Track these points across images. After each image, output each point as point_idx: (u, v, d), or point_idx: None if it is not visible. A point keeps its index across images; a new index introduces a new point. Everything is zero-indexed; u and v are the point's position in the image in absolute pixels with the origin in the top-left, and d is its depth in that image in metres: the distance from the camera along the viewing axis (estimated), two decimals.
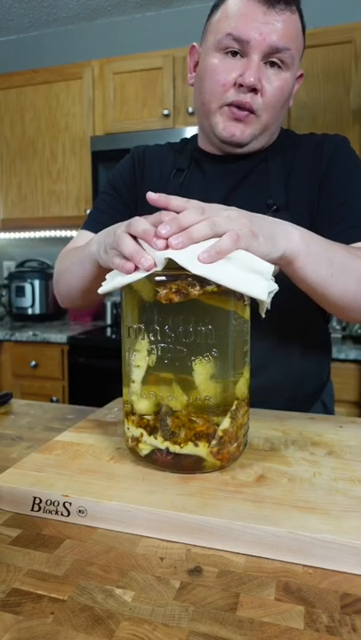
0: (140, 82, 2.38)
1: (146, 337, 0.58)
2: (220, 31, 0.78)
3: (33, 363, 2.32)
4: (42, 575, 0.44)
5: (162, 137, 2.21)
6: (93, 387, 2.21)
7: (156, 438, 0.59)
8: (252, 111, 0.80)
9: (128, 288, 0.59)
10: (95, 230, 0.90)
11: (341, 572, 0.45)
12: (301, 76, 0.88)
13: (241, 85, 0.78)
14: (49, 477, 0.58)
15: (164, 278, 0.55)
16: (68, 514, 0.53)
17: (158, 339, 0.57)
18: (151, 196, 0.59)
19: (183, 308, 0.55)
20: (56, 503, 0.53)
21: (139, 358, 0.59)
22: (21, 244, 3.05)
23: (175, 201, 0.58)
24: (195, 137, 0.98)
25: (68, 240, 2.90)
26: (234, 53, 0.79)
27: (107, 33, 2.79)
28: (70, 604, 0.41)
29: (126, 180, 0.98)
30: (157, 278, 0.56)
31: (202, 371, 0.57)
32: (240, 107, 0.80)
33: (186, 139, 1.01)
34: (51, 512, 0.54)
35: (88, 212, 1.06)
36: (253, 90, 0.78)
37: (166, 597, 0.41)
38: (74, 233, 2.78)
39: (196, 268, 0.53)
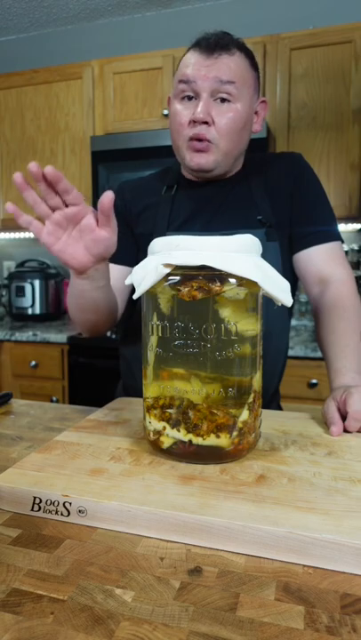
0: (140, 82, 2.38)
1: (170, 334, 0.60)
2: (175, 82, 0.93)
3: (33, 363, 2.32)
4: (42, 575, 0.44)
5: (162, 137, 2.22)
6: (93, 387, 2.21)
7: (178, 431, 0.61)
8: (209, 141, 0.91)
9: (148, 290, 0.61)
10: None
11: (341, 572, 0.45)
12: (264, 102, 0.99)
13: (195, 121, 0.90)
14: (49, 477, 0.58)
15: (178, 278, 0.59)
16: (68, 514, 0.53)
17: (183, 336, 0.59)
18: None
19: (205, 305, 0.58)
20: (56, 503, 0.53)
21: (162, 354, 0.61)
22: (21, 244, 3.04)
23: None
24: (176, 164, 1.07)
25: None
26: (189, 98, 0.91)
27: (107, 33, 2.78)
28: (70, 603, 0.41)
29: (119, 214, 1.04)
30: (171, 278, 0.59)
31: (224, 365, 0.59)
32: (198, 139, 0.91)
33: (167, 167, 1.10)
34: (51, 512, 0.54)
35: None
36: (206, 123, 0.89)
37: (166, 597, 0.41)
38: None
39: (235, 270, 0.56)
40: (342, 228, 2.32)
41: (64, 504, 0.53)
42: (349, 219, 2.16)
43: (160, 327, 0.61)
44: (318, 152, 2.13)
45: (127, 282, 0.67)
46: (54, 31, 2.88)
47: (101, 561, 0.46)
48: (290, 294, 0.64)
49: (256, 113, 0.97)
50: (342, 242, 1.01)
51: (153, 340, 0.62)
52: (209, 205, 0.99)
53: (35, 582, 0.43)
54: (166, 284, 0.59)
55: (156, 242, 0.64)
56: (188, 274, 0.58)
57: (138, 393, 0.93)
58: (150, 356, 0.63)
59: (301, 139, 2.15)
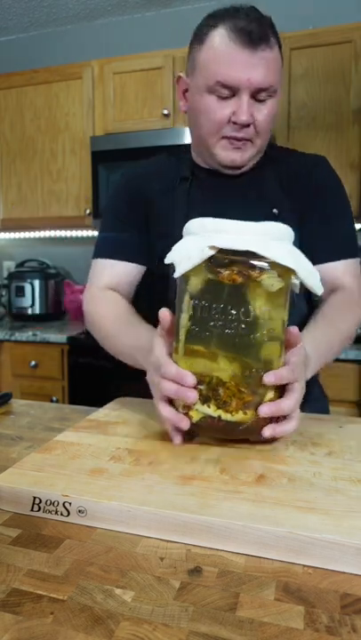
0: (140, 82, 2.38)
1: (201, 314, 0.62)
2: (210, 77, 0.85)
3: (33, 363, 2.32)
4: (42, 575, 0.44)
5: (162, 137, 2.22)
6: (93, 387, 2.21)
7: (208, 407, 0.63)
8: (247, 139, 0.89)
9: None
10: (108, 256, 1.00)
11: (341, 572, 0.45)
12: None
13: (235, 122, 0.86)
14: (49, 477, 0.57)
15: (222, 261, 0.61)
16: (68, 514, 0.53)
17: (215, 316, 0.62)
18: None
19: (240, 289, 0.61)
20: (56, 503, 0.53)
21: (194, 333, 0.64)
22: (21, 244, 3.04)
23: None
24: (187, 148, 1.04)
25: (67, 240, 2.90)
26: (225, 95, 0.86)
27: (106, 33, 2.78)
28: (70, 604, 0.41)
29: (128, 205, 1.02)
30: (212, 260, 0.61)
31: (253, 347, 0.62)
32: (237, 139, 0.89)
33: (178, 147, 1.08)
34: (50, 512, 0.54)
35: (97, 231, 1.10)
36: (247, 125, 0.87)
37: (166, 597, 0.41)
38: (73, 233, 2.78)
39: (278, 257, 0.59)
40: None
41: (64, 504, 0.53)
42: None
43: (192, 306, 0.63)
44: (318, 152, 2.12)
45: (167, 261, 0.67)
46: (54, 31, 2.88)
47: (101, 561, 0.46)
48: (320, 283, 0.66)
49: None
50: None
51: (184, 319, 0.64)
52: (225, 197, 0.97)
53: (35, 582, 0.43)
54: (207, 264, 0.61)
55: (192, 223, 0.66)
56: (229, 258, 0.60)
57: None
58: (182, 334, 0.65)
59: (301, 138, 2.15)
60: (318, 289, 0.66)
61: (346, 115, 2.09)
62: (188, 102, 0.95)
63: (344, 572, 0.45)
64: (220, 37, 0.83)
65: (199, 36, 0.87)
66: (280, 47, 0.88)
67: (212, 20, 0.86)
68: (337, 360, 1.89)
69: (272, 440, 0.68)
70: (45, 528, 0.52)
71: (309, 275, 0.64)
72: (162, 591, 0.42)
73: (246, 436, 0.66)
